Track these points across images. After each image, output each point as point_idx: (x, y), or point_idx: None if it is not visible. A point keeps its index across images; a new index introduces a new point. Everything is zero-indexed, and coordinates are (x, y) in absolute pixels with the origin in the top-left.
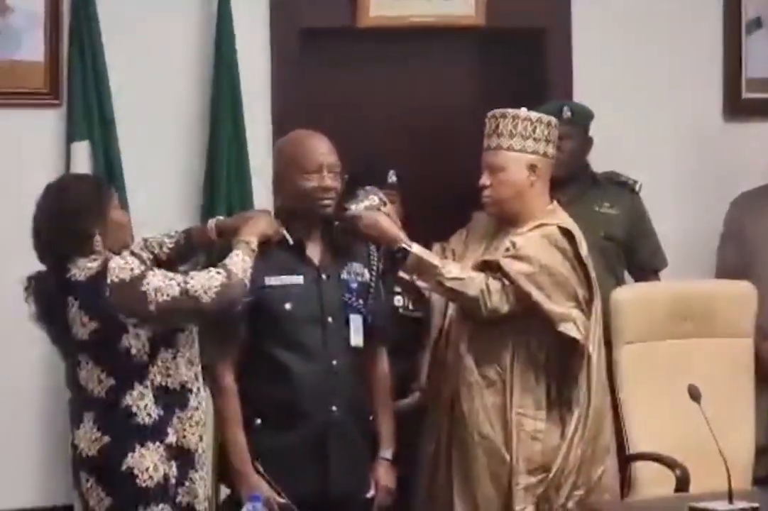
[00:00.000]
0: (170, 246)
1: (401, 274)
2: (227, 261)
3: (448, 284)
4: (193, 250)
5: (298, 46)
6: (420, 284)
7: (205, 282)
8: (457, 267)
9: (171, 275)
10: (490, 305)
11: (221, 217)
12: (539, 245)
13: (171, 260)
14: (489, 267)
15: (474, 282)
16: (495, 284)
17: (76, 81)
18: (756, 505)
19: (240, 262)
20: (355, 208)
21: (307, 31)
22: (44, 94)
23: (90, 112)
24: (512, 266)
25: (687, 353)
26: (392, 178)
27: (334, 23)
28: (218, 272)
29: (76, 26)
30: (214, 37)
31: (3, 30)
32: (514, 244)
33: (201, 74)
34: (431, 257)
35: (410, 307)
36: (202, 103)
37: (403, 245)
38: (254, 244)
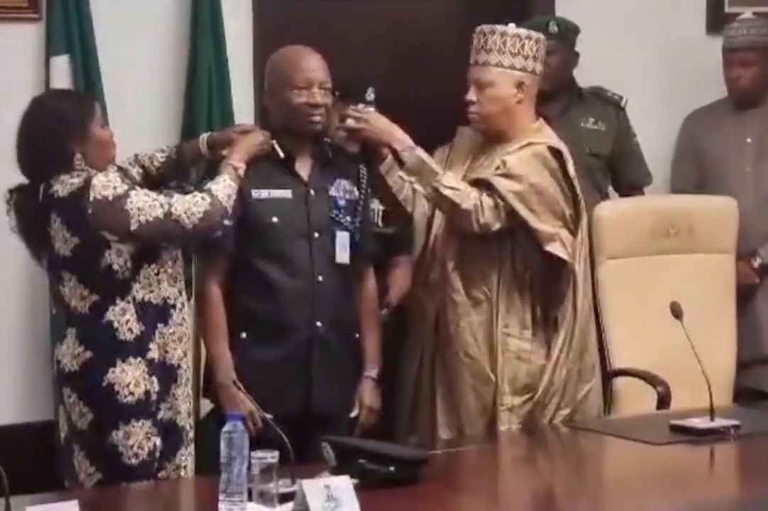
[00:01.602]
0: (162, 160)
1: (400, 174)
2: (212, 186)
3: (445, 191)
4: (184, 165)
5: None
6: (416, 187)
7: (189, 206)
8: (455, 178)
9: (154, 195)
10: (482, 220)
11: (213, 133)
12: (529, 164)
13: (162, 175)
14: (480, 185)
15: (469, 196)
16: (488, 201)
17: None
18: (737, 422)
19: (225, 187)
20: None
21: None
22: (23, 8)
23: (69, 27)
24: (503, 184)
25: (669, 268)
26: (371, 95)
27: None
28: (203, 198)
29: None
30: None
31: None
32: (504, 163)
33: None
34: (432, 162)
35: (380, 224)
36: (183, 18)
37: (411, 145)
38: (241, 170)
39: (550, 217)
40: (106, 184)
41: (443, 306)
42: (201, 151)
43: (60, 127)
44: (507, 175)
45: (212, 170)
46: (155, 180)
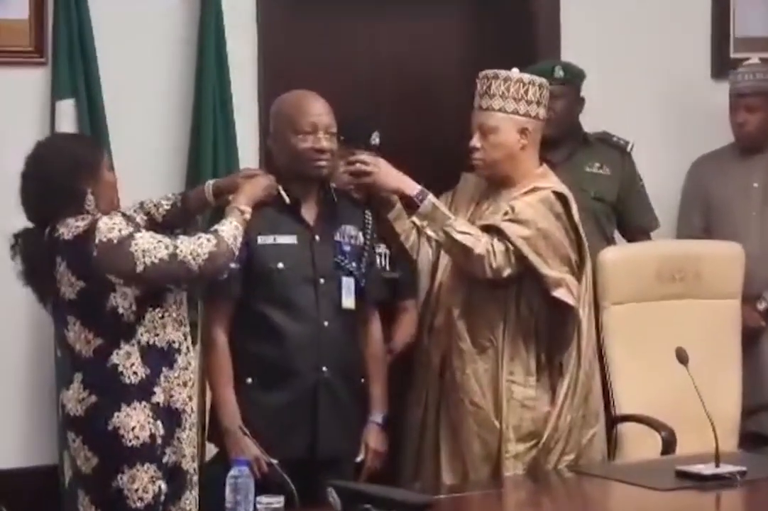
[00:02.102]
0: (167, 208)
1: (413, 219)
2: (219, 227)
3: (457, 236)
4: (190, 213)
5: (285, 4)
6: (428, 232)
7: (195, 248)
8: (466, 223)
9: (159, 237)
10: (495, 264)
11: (218, 180)
12: (536, 209)
13: (167, 223)
14: (489, 231)
15: (481, 241)
16: (499, 246)
17: (62, 39)
18: (743, 468)
19: (231, 229)
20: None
21: None
22: (29, 52)
23: (75, 71)
24: (512, 230)
25: (674, 313)
26: (375, 140)
27: None
28: (208, 239)
29: None
30: None
31: None
32: (512, 209)
33: (187, 33)
34: (444, 208)
35: (387, 268)
36: (188, 61)
37: (422, 190)
38: (248, 214)
39: (557, 263)
40: (111, 227)
41: (448, 353)
42: (206, 199)
43: (73, 166)
44: (515, 221)
45: (218, 216)
46: (160, 228)
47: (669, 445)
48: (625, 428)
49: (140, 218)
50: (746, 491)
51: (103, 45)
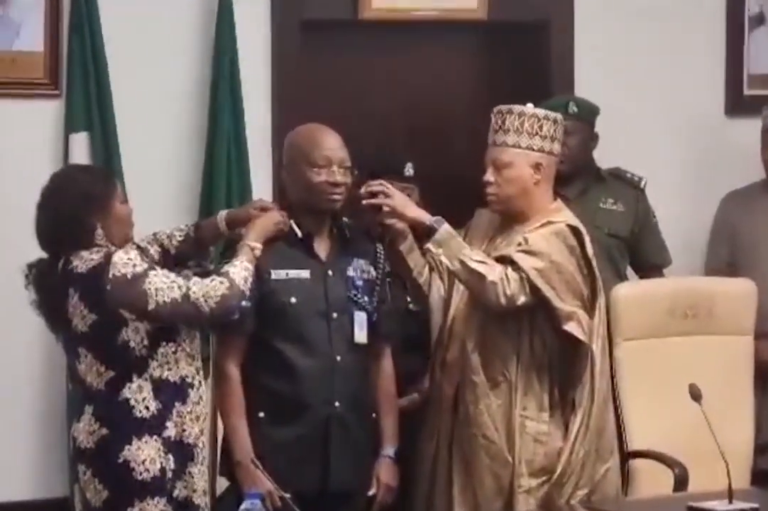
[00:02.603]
0: (180, 239)
1: (428, 246)
2: (230, 269)
3: (472, 264)
4: (203, 243)
5: (299, 37)
6: (443, 260)
7: (207, 290)
8: (481, 253)
9: (173, 276)
10: (509, 292)
11: (230, 210)
12: (550, 242)
13: (181, 254)
14: (503, 261)
15: (495, 269)
16: (513, 274)
17: (76, 71)
18: (756, 505)
19: (242, 270)
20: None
21: (309, 22)
22: (44, 84)
23: (89, 103)
24: (526, 261)
25: (687, 350)
26: (409, 171)
27: (335, 15)
28: (221, 282)
29: (76, 16)
30: (214, 28)
31: (2, 19)
32: (526, 240)
33: (201, 66)
34: (459, 237)
35: (411, 302)
36: (202, 95)
37: (439, 218)
38: (258, 250)
39: (569, 296)
40: (126, 262)
41: (461, 387)
42: (220, 229)
43: (83, 202)
44: (529, 252)
45: (230, 249)
46: (174, 259)
47: (682, 481)
48: (637, 463)
49: (154, 250)
50: None
51: (117, 78)
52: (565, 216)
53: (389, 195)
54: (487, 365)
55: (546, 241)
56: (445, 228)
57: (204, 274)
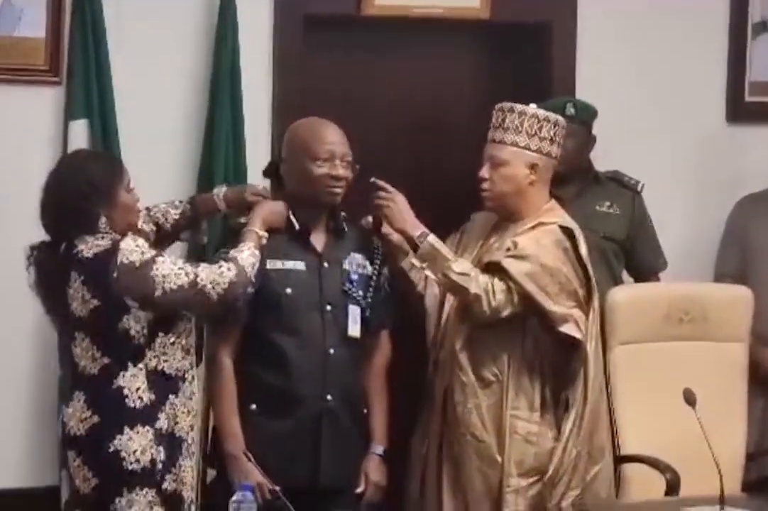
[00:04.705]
0: (176, 217)
1: (412, 260)
2: (237, 255)
3: (454, 277)
4: (197, 219)
5: (301, 32)
6: (428, 273)
7: (215, 277)
8: (466, 264)
9: (181, 263)
10: (494, 303)
11: (228, 189)
12: (540, 245)
13: (174, 229)
14: (492, 268)
15: (479, 280)
16: (500, 284)
17: (77, 59)
18: None
19: (250, 256)
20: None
21: (311, 17)
22: (44, 71)
23: (89, 91)
24: (514, 266)
25: (681, 355)
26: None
27: (338, 10)
28: (229, 269)
29: (78, 3)
30: (217, 17)
31: (4, 6)
32: (515, 244)
33: (202, 57)
34: (444, 249)
35: None
36: (202, 86)
37: (424, 231)
38: (264, 238)
39: (563, 298)
40: (133, 249)
41: (451, 385)
42: (218, 207)
43: (88, 191)
44: (518, 257)
45: (232, 238)
46: (168, 234)
47: (673, 486)
48: (629, 467)
49: (149, 228)
50: None
51: (118, 66)
52: (557, 216)
53: (390, 200)
54: (478, 364)
55: (536, 243)
56: (428, 242)
57: (199, 246)
